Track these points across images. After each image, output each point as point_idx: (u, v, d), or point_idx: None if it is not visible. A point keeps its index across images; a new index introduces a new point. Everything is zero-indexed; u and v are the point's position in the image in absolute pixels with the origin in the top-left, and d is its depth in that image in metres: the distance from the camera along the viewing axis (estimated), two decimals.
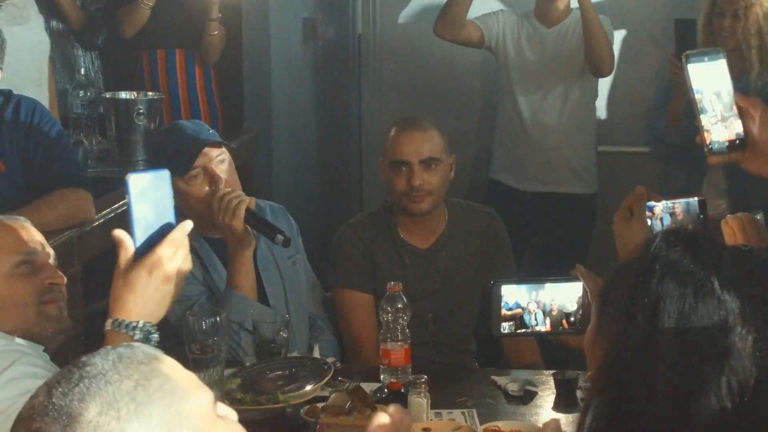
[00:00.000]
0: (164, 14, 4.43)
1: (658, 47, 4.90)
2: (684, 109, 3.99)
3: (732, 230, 2.18)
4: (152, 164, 3.00)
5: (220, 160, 2.90)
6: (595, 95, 4.54)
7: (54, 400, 1.21)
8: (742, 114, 1.94)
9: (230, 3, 4.43)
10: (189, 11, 4.45)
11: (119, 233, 1.88)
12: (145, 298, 1.88)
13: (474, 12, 4.43)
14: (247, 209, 2.81)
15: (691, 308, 1.40)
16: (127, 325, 1.87)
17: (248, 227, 2.84)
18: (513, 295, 2.16)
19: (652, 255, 1.45)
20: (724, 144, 1.94)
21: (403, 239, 3.22)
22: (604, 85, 4.93)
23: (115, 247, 1.89)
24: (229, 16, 4.44)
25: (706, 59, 1.94)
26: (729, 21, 4.01)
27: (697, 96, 1.93)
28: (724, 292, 1.40)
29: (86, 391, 1.21)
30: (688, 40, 3.91)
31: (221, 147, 2.93)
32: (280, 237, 2.78)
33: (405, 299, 2.79)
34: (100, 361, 1.24)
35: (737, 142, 1.94)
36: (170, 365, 1.28)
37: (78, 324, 3.01)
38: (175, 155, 2.84)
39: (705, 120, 1.92)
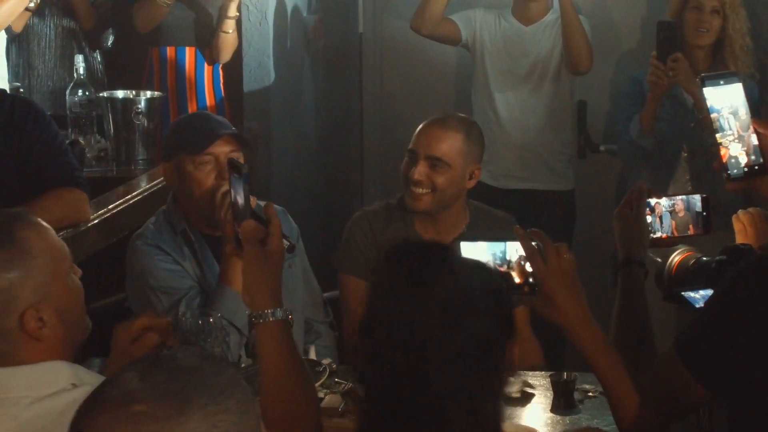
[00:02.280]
0: (176, 11, 4.41)
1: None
2: (657, 113, 3.93)
3: (743, 225, 2.17)
4: (170, 143, 2.99)
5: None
6: (573, 93, 4.49)
7: (154, 385, 1.17)
8: (761, 139, 1.94)
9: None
10: (201, 9, 4.44)
11: (254, 225, 1.97)
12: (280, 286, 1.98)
13: (455, 9, 4.43)
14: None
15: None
16: (287, 312, 1.95)
17: None
18: (471, 253, 1.96)
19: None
20: (742, 170, 1.94)
21: (418, 233, 3.19)
22: (606, 84, 4.91)
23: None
24: None
25: (722, 82, 1.97)
26: (708, 16, 3.94)
27: (713, 115, 1.95)
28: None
29: (188, 379, 1.18)
30: (671, 42, 3.84)
31: (239, 145, 2.91)
32: (285, 242, 2.70)
33: None
34: (183, 356, 1.22)
35: (756, 168, 1.94)
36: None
37: None
38: (194, 134, 2.88)
39: (722, 138, 1.93)
